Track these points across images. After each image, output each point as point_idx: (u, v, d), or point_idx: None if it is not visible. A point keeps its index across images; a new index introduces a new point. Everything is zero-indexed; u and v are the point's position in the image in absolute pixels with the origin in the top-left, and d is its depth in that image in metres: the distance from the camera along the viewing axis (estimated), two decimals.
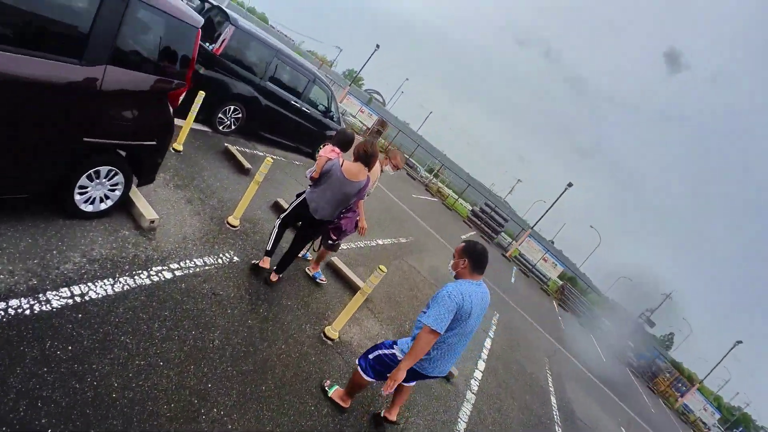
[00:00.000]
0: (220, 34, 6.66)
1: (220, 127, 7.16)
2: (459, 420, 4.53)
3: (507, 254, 23.16)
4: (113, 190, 3.36)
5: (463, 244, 3.05)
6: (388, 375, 2.98)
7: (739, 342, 25.20)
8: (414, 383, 3.49)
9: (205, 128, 6.91)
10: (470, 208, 26.66)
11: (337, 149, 4.01)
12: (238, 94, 7.15)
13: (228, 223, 4.60)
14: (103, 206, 3.34)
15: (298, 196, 4.09)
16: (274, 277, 4.12)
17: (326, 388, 3.40)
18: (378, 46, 27.64)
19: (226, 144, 6.64)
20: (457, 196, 26.72)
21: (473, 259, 2.94)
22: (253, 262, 4.18)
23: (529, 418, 5.87)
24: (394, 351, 3.12)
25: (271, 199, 5.98)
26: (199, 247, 3.91)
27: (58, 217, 3.11)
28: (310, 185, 3.97)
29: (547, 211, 25.58)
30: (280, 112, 8.07)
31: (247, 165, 6.30)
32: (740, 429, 27.17)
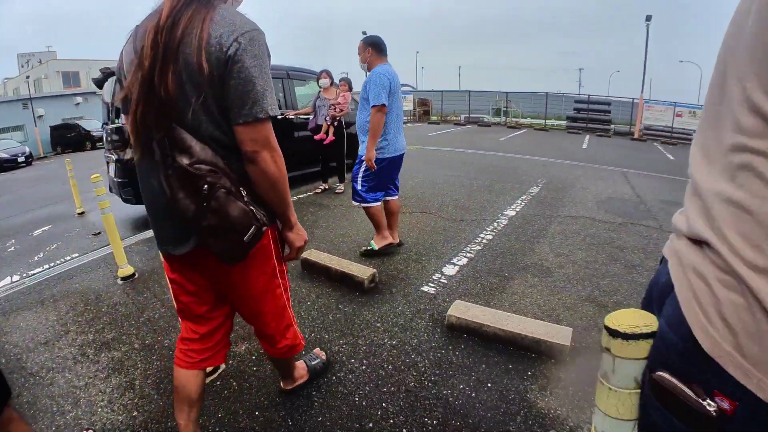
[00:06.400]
0: None
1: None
2: None
3: (635, 136, 18.64)
4: None
5: (361, 40, 3.45)
6: (378, 187, 3.53)
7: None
8: (396, 195, 3.79)
9: None
10: (565, 117, 22.48)
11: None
12: None
13: None
14: None
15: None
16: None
17: (368, 248, 3.76)
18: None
19: None
20: (542, 118, 22.74)
21: (374, 45, 3.39)
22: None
23: None
24: (362, 161, 3.45)
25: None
26: None
27: None
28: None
29: (645, 65, 20.50)
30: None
31: None
32: None
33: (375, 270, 3.17)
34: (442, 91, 25.05)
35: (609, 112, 20.93)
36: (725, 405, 0.60)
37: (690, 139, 14.03)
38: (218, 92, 1.18)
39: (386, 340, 2.49)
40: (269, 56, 1.23)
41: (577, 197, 6.14)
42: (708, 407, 0.61)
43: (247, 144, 1.22)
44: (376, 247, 3.73)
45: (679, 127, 18.10)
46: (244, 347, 2.48)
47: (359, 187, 3.51)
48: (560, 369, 2.27)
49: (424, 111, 22.84)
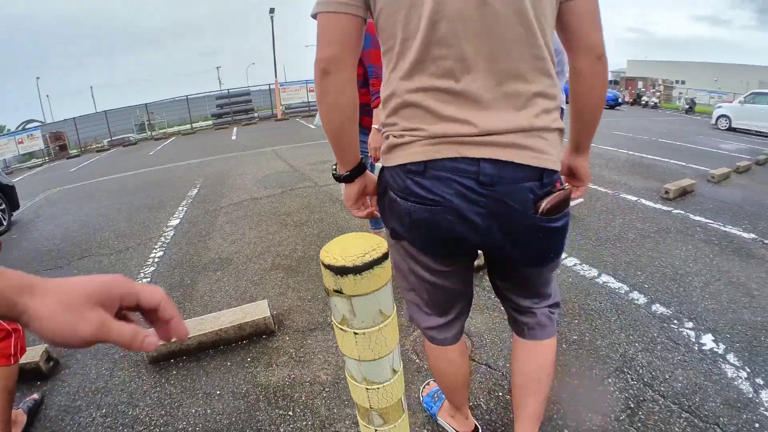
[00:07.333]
0: None
1: None
2: None
3: (278, 117, 20.52)
4: None
5: None
6: None
7: None
8: None
9: None
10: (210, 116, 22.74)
11: None
12: None
13: None
14: None
15: None
16: None
17: None
18: None
19: None
20: (188, 122, 22.38)
21: None
22: None
23: None
24: None
25: None
26: None
27: None
28: None
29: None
30: None
31: None
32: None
33: (46, 345, 2.52)
34: (75, 119, 21.41)
35: (250, 101, 22.34)
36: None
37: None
38: None
39: (95, 414, 2.06)
40: None
41: (235, 185, 6.37)
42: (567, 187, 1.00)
43: None
44: None
45: (313, 100, 20.90)
46: None
47: None
48: (273, 339, 2.39)
49: (60, 146, 19.06)
